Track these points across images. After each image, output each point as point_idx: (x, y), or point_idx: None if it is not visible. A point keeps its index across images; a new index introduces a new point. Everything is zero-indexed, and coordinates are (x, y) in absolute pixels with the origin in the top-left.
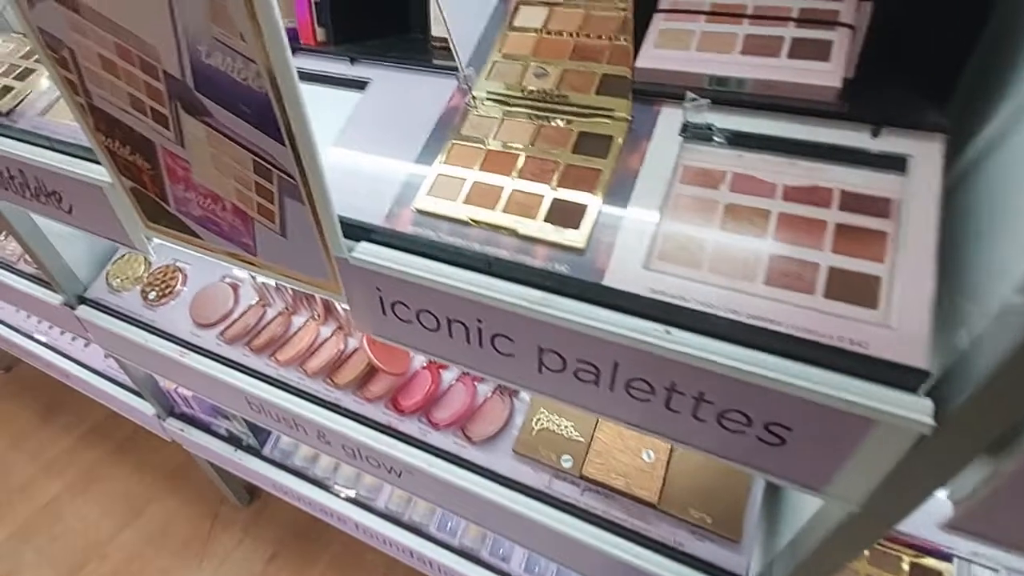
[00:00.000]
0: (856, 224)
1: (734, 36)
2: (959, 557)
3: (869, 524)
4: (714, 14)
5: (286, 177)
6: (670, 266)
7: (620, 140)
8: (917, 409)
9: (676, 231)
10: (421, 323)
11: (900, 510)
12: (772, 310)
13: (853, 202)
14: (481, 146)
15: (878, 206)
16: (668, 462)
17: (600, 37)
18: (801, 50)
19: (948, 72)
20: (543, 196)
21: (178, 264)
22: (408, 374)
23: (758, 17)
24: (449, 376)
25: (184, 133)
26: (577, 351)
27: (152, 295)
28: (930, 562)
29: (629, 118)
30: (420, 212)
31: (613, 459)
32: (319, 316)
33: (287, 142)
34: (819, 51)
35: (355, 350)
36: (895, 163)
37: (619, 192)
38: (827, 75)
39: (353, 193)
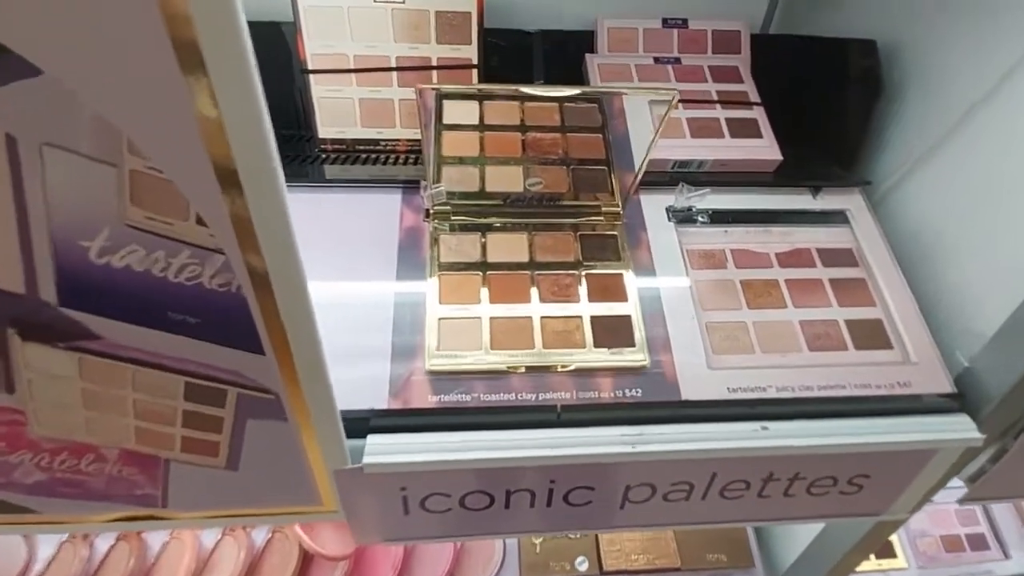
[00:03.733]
0: (841, 276)
1: (679, 121)
2: None
3: (900, 523)
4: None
5: (257, 395)
6: (729, 358)
7: (622, 236)
8: (968, 429)
9: (716, 320)
10: (466, 507)
11: (923, 504)
12: (831, 376)
13: (829, 257)
14: (476, 272)
15: (846, 256)
16: None
17: (547, 129)
18: (738, 129)
19: (850, 138)
20: (580, 317)
21: None
22: (356, 548)
23: (688, 101)
24: None
25: (16, 374)
26: (670, 476)
27: None
28: None
29: (621, 211)
30: (436, 374)
31: (625, 541)
32: None
33: (270, 350)
34: (751, 129)
35: (269, 541)
36: (839, 217)
37: (648, 292)
38: (768, 150)
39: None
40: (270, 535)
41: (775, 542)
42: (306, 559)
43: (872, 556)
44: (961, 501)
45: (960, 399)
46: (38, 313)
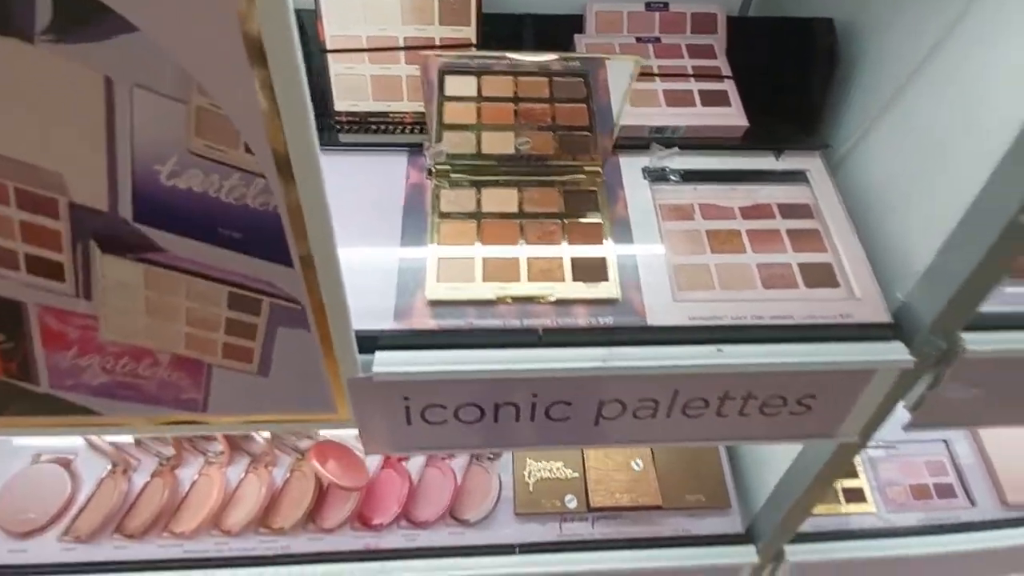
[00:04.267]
0: (797, 227)
1: (656, 92)
2: None
3: (853, 449)
4: None
5: (286, 304)
6: (693, 293)
7: (602, 192)
8: (900, 353)
9: (683, 263)
10: (460, 419)
11: (874, 429)
12: (782, 308)
13: (788, 211)
14: (472, 220)
15: (803, 211)
16: (655, 463)
17: (538, 100)
18: (709, 99)
19: (813, 107)
20: (561, 257)
21: None
22: (367, 483)
23: (665, 75)
24: (415, 464)
25: (94, 282)
26: (638, 392)
27: None
28: None
29: (601, 171)
30: (435, 303)
31: (611, 480)
32: (220, 456)
33: (298, 263)
34: (721, 99)
35: (288, 479)
36: (799, 177)
37: (623, 239)
38: (735, 117)
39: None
40: (289, 475)
41: (751, 483)
42: (320, 495)
43: (843, 500)
44: (906, 428)
45: (896, 328)
46: (115, 228)
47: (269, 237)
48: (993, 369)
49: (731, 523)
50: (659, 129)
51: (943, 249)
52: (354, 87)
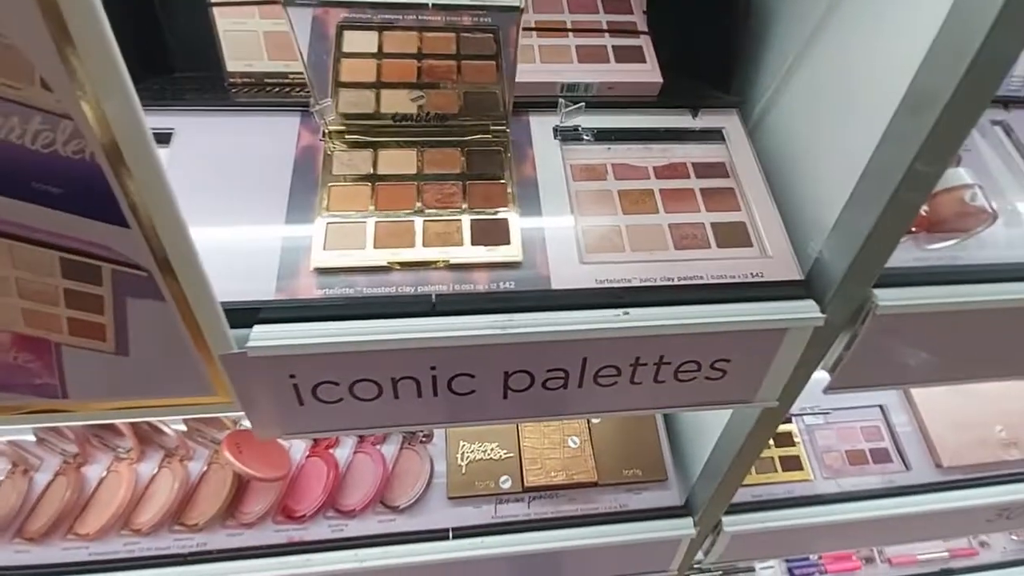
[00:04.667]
0: (711, 186)
1: (568, 48)
2: (794, 415)
3: (776, 414)
4: (541, 30)
5: (130, 271)
6: (601, 255)
7: (508, 152)
8: (811, 310)
9: (592, 224)
10: (356, 396)
11: (795, 394)
12: (692, 268)
13: (703, 170)
14: (366, 184)
15: (719, 169)
16: (591, 440)
17: (443, 57)
18: (623, 55)
19: (733, 64)
20: (460, 220)
21: None
22: (291, 472)
23: (578, 31)
24: (344, 451)
25: None
26: (545, 361)
27: None
28: (781, 428)
29: (508, 130)
30: (322, 271)
31: (547, 459)
32: (130, 452)
33: (135, 221)
34: (636, 55)
35: (204, 472)
36: (715, 135)
37: (528, 200)
38: (650, 74)
39: (220, 272)
40: (206, 468)
41: (689, 455)
42: (240, 486)
43: (779, 468)
44: (826, 391)
45: (807, 285)
46: None
47: (92, 191)
48: (911, 326)
49: (669, 496)
50: (571, 86)
51: (849, 203)
52: (246, 46)
